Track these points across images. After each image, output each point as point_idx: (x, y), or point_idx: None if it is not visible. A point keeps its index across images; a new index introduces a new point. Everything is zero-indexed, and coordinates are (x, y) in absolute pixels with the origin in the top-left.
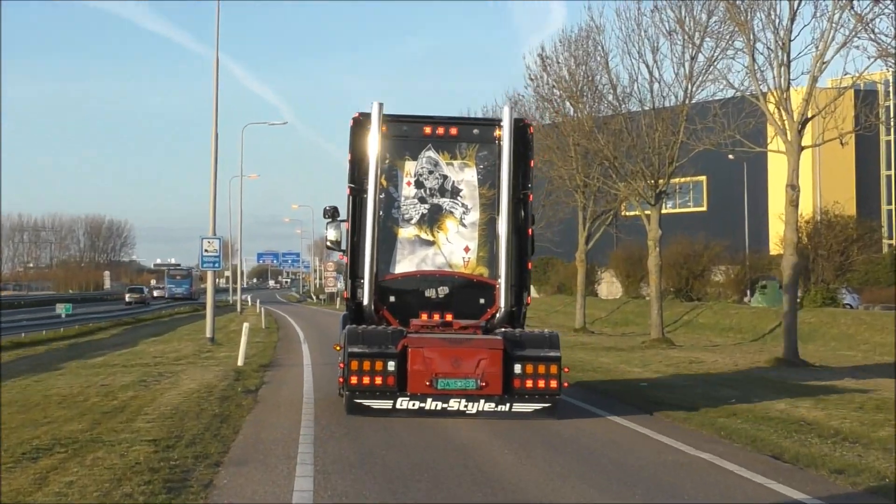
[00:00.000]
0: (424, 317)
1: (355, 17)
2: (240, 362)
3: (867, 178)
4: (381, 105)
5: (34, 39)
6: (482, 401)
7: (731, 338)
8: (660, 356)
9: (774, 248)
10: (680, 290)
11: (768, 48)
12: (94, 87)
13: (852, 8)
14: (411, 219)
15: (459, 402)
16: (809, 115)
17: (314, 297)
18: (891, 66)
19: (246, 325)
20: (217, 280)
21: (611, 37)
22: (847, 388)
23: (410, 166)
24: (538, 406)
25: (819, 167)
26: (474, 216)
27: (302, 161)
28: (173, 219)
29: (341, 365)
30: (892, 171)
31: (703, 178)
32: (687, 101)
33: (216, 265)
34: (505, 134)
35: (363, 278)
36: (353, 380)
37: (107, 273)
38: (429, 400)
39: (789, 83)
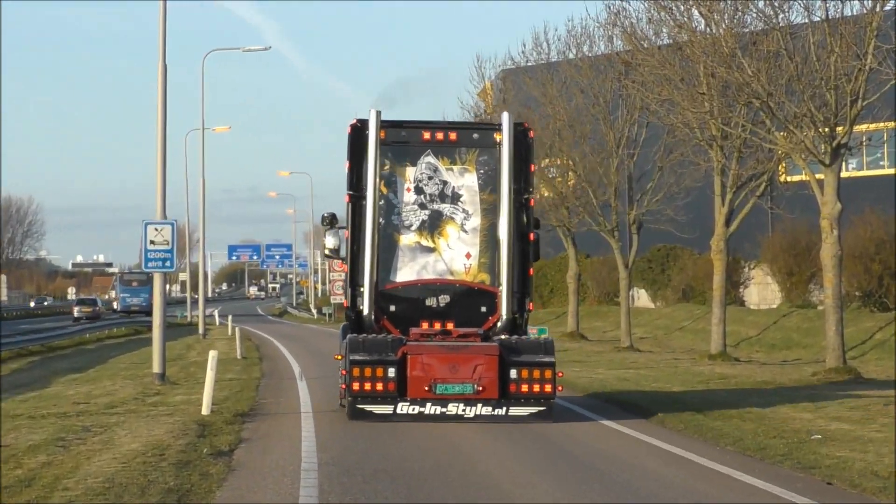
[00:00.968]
0: (425, 325)
1: None
2: (204, 410)
3: None
4: (378, 112)
5: None
6: (479, 405)
7: None
8: (848, 403)
9: None
10: (870, 294)
11: None
12: None
13: None
14: (411, 225)
15: (458, 407)
16: None
17: (315, 311)
18: None
19: (213, 354)
20: (169, 288)
21: None
22: None
23: (410, 172)
24: (534, 409)
25: None
26: (475, 222)
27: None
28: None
29: (343, 372)
30: None
31: None
32: (879, 8)
33: (167, 264)
34: (505, 138)
35: (363, 287)
36: (356, 386)
37: (2, 278)
38: (428, 404)
39: None
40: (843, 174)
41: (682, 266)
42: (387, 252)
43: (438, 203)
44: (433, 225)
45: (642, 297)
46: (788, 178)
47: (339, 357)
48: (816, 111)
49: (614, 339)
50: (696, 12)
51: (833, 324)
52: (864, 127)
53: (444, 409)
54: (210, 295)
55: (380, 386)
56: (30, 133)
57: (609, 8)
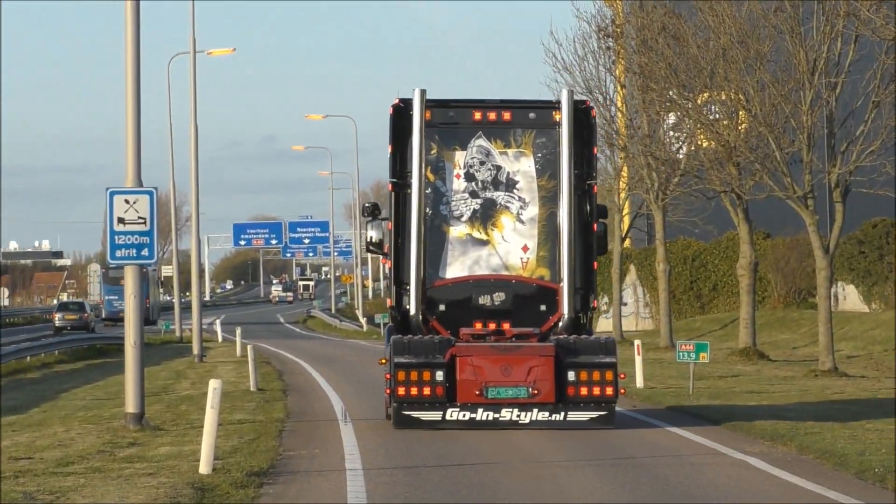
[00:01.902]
0: (478, 326)
1: None
2: (203, 467)
3: None
4: (423, 91)
5: None
6: (535, 410)
7: None
8: None
9: None
10: None
11: None
12: None
13: None
14: (462, 216)
15: (511, 412)
16: None
17: (364, 321)
18: None
19: (214, 385)
20: (161, 289)
21: None
22: None
23: (459, 157)
24: (594, 414)
25: None
26: (533, 211)
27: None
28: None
29: (387, 377)
30: None
31: None
32: None
33: (144, 254)
34: (564, 118)
35: (409, 285)
36: (401, 391)
37: None
38: (479, 410)
39: None
40: None
41: None
42: (435, 246)
43: (492, 191)
44: (486, 215)
45: (851, 297)
46: None
47: (384, 361)
48: None
49: (809, 359)
50: None
51: None
52: None
53: (496, 415)
54: (208, 298)
55: (427, 390)
56: None
57: None
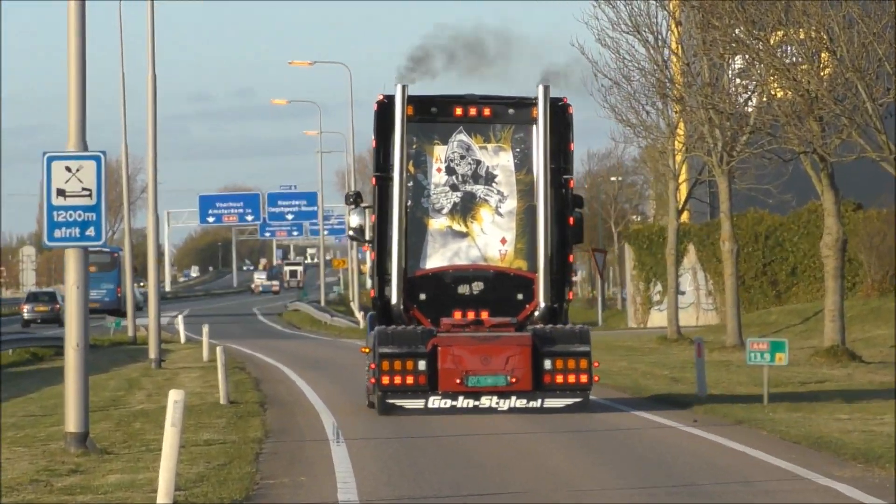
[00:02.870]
0: (458, 315)
1: None
2: (162, 499)
3: None
4: (405, 87)
5: None
6: (513, 397)
7: None
8: None
9: None
10: None
11: None
12: None
13: None
14: (442, 208)
15: (491, 399)
16: None
17: (361, 315)
18: None
19: (176, 396)
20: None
21: None
22: None
23: (440, 151)
24: (570, 401)
25: None
26: (511, 204)
27: None
28: None
29: (372, 366)
30: None
31: None
32: None
33: (90, 234)
34: (540, 113)
35: (391, 275)
36: (385, 380)
37: None
38: (460, 398)
39: None
40: None
41: None
42: (416, 237)
43: (471, 184)
44: (466, 208)
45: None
46: None
47: (366, 350)
48: None
49: None
50: None
51: None
52: None
53: (476, 402)
54: (169, 288)
55: (410, 379)
56: None
57: None
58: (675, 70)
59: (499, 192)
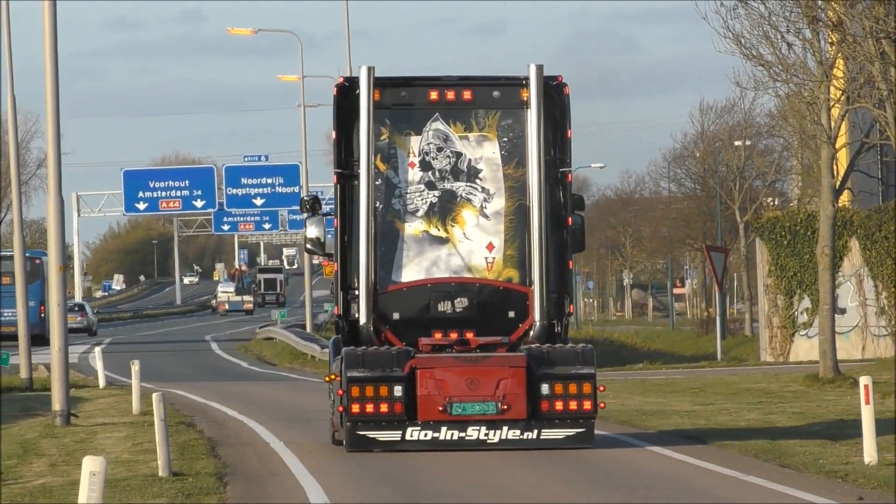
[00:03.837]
0: (439, 336)
1: None
2: None
3: None
4: (370, 68)
5: None
6: (505, 427)
7: None
8: None
9: None
10: None
11: None
12: None
13: None
14: (417, 210)
15: (479, 430)
16: None
17: None
18: None
19: (93, 466)
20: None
21: None
22: None
23: (414, 143)
24: (570, 432)
25: None
26: (499, 204)
27: None
28: None
29: (340, 392)
30: None
31: None
32: None
33: None
34: (533, 96)
35: (358, 290)
36: (356, 408)
37: None
38: (443, 429)
39: None
40: None
41: None
42: (387, 245)
43: (451, 181)
44: (445, 209)
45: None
46: None
47: (332, 377)
48: None
49: None
50: None
51: None
52: None
53: (462, 434)
54: (78, 304)
55: (384, 407)
56: None
57: None
58: None
59: (484, 190)
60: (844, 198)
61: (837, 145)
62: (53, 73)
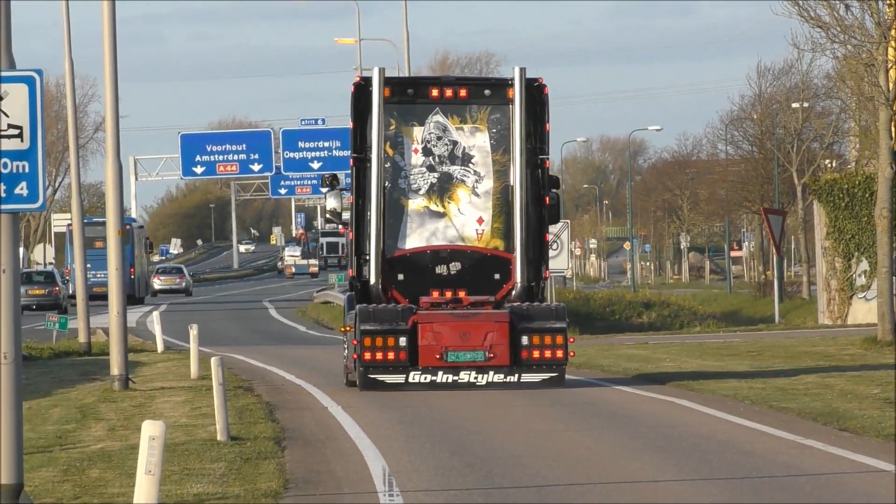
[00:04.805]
0: (436, 294)
1: None
2: None
3: None
4: (382, 70)
5: None
6: (491, 372)
7: None
8: None
9: None
10: None
11: None
12: None
13: None
14: (420, 189)
15: (469, 374)
16: None
17: None
18: None
19: (152, 430)
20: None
21: None
22: None
23: (417, 132)
24: (545, 376)
25: None
26: (488, 184)
27: None
28: None
29: (354, 342)
30: None
31: None
32: None
33: (24, 194)
34: (517, 94)
35: (369, 255)
36: (367, 356)
37: None
38: (440, 373)
39: None
40: None
41: None
42: (394, 218)
43: (448, 165)
44: (443, 188)
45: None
46: None
47: (347, 329)
48: None
49: None
50: None
51: None
52: None
53: (455, 378)
54: (179, 267)
55: (391, 355)
56: None
57: None
58: None
59: (475, 173)
60: None
61: None
62: (111, 39)
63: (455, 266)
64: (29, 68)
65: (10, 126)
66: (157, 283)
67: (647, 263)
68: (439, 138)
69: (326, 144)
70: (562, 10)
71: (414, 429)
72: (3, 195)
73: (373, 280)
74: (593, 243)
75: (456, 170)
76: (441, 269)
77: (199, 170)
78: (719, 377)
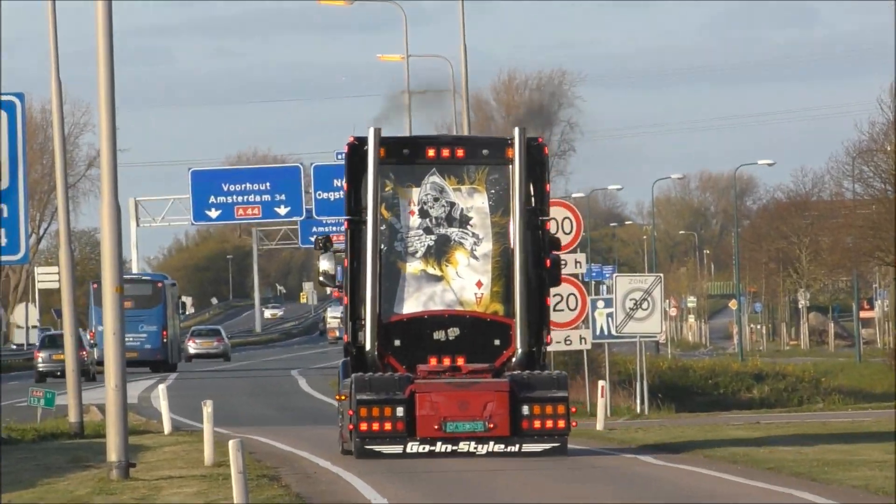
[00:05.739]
0: (434, 361)
1: None
2: None
3: None
4: (378, 130)
5: None
6: (491, 442)
7: None
8: None
9: None
10: None
11: None
12: None
13: None
14: (416, 252)
15: (469, 445)
16: None
17: None
18: None
19: None
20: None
21: None
22: None
23: (414, 194)
24: (547, 446)
25: None
26: (486, 247)
27: None
28: None
29: (350, 412)
30: None
31: None
32: None
33: (2, 241)
34: (516, 154)
35: (364, 320)
36: (364, 426)
37: None
38: (438, 443)
39: None
40: None
41: None
42: (390, 281)
43: (445, 227)
44: (440, 251)
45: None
46: None
47: (342, 397)
48: None
49: None
50: None
51: None
52: None
53: (454, 448)
54: (217, 329)
55: (388, 426)
56: None
57: None
58: None
59: (474, 235)
60: None
61: None
62: (107, 56)
63: (453, 332)
64: (8, 92)
65: None
66: (192, 346)
67: (758, 326)
68: (436, 199)
69: None
70: (655, 20)
71: None
72: None
73: (368, 346)
74: (692, 301)
75: (454, 232)
76: (439, 335)
77: (213, 213)
78: (847, 465)
